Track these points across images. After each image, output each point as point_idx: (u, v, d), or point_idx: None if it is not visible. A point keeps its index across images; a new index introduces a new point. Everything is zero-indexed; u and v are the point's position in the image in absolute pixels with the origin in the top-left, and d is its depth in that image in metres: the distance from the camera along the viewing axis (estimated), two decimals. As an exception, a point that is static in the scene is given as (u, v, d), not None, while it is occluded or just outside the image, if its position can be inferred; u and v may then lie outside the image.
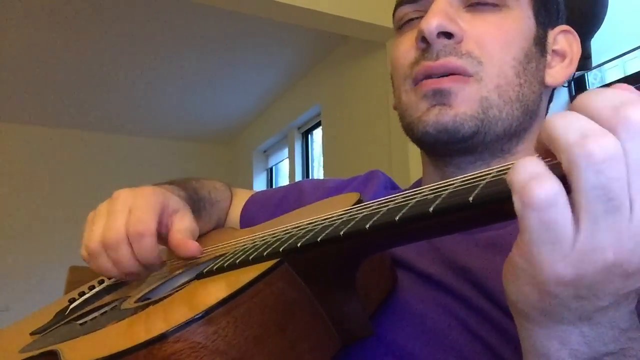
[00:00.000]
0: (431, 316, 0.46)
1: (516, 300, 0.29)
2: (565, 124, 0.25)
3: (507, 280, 0.29)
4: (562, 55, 0.60)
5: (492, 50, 0.54)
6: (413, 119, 0.56)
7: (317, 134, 3.82)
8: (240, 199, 0.82)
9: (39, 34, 3.00)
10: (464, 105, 0.53)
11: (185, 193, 0.69)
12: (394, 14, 0.62)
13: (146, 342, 0.31)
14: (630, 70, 1.76)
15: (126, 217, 0.54)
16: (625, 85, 0.26)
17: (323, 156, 3.45)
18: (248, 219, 0.77)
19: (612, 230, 0.24)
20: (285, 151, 4.11)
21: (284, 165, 4.30)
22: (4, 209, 4.05)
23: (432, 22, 0.53)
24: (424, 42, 0.54)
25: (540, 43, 0.58)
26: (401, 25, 0.61)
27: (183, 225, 0.57)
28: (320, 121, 3.55)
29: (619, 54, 1.77)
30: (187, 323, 0.32)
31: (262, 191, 0.86)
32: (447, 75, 0.53)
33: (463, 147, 0.55)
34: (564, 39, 0.61)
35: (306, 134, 3.92)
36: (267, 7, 2.38)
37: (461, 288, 0.46)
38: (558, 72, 0.59)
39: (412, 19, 0.59)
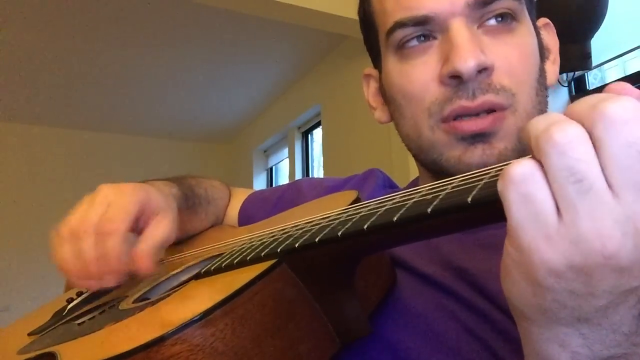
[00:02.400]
0: (430, 316, 0.46)
1: (513, 298, 0.29)
2: (537, 120, 0.26)
3: (503, 277, 0.29)
4: (547, 50, 0.59)
5: (522, 78, 0.52)
6: (447, 158, 0.53)
7: (317, 134, 3.82)
8: (239, 197, 0.82)
9: (39, 34, 3.00)
10: (505, 140, 0.51)
11: (178, 190, 0.68)
12: (389, 32, 0.55)
13: (144, 345, 0.31)
14: (630, 70, 1.76)
15: (102, 212, 0.54)
16: (622, 83, 0.27)
17: (323, 156, 3.45)
18: (246, 218, 0.77)
19: (593, 216, 0.24)
20: (285, 151, 4.11)
21: (284, 165, 4.30)
22: (3, 209, 4.05)
23: (470, 62, 0.49)
24: (456, 79, 0.50)
25: (541, 49, 0.56)
26: (401, 46, 0.55)
27: (156, 232, 0.56)
28: (320, 121, 3.55)
29: (619, 54, 1.77)
30: (185, 325, 0.32)
31: (260, 190, 0.86)
32: (485, 112, 0.51)
33: None
34: (546, 33, 0.59)
35: (306, 134, 3.92)
36: (267, 7, 2.38)
37: (460, 288, 0.46)
38: (550, 71, 0.58)
39: (412, 40, 0.54)
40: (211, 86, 3.84)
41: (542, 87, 0.55)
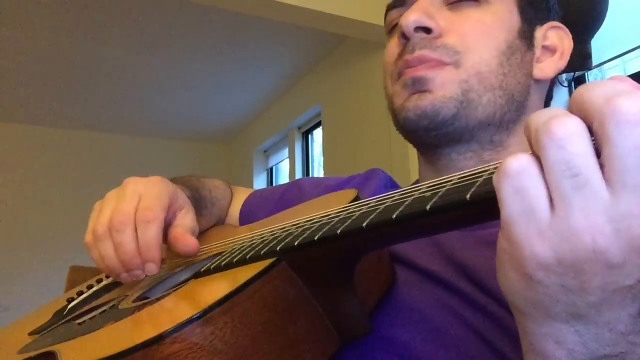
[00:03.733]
0: (431, 313, 0.46)
1: (506, 290, 0.29)
2: (537, 113, 0.26)
3: (497, 269, 0.29)
4: (552, 50, 0.61)
5: (471, 39, 0.56)
6: (397, 107, 0.59)
7: (317, 134, 3.82)
8: (240, 197, 0.83)
9: (39, 34, 3.00)
10: (443, 89, 0.55)
11: (189, 192, 0.69)
12: (384, 19, 0.65)
13: (143, 343, 0.31)
14: (630, 70, 1.76)
15: (136, 203, 0.54)
16: (622, 76, 0.26)
17: (323, 156, 3.45)
18: (247, 217, 0.78)
19: (586, 212, 0.24)
20: (286, 151, 4.11)
21: (284, 165, 4.30)
22: (3, 209, 4.05)
23: (410, 17, 0.56)
24: (404, 38, 0.58)
25: (525, 37, 0.59)
26: (390, 29, 0.64)
27: (185, 222, 0.58)
28: (320, 121, 3.55)
29: (619, 54, 1.77)
30: (185, 323, 0.32)
31: (261, 189, 0.86)
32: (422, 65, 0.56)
33: (446, 133, 0.56)
34: (554, 34, 0.62)
35: (306, 134, 3.92)
36: (267, 7, 2.38)
37: (461, 285, 0.46)
38: (548, 65, 0.60)
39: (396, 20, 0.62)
40: (211, 86, 3.84)
41: (512, 64, 0.57)
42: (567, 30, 0.62)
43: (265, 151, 4.56)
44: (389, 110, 0.63)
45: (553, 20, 0.63)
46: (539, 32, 0.61)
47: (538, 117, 0.26)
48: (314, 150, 3.89)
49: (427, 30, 0.56)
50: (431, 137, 0.57)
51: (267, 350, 0.35)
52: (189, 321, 0.32)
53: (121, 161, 4.51)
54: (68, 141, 4.40)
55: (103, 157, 4.49)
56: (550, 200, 0.25)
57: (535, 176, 0.25)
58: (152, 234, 0.52)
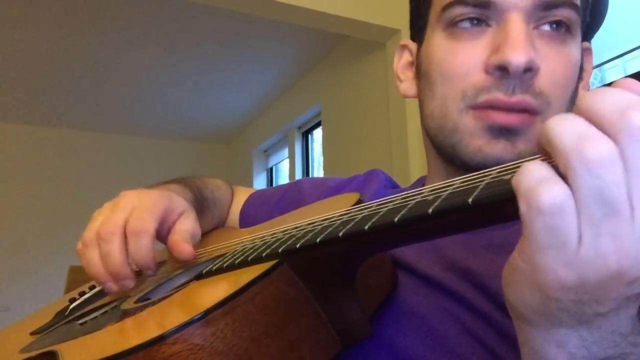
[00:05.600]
0: (432, 318, 0.46)
1: (515, 304, 0.29)
2: (563, 126, 0.25)
3: (507, 282, 0.29)
4: (580, 72, 0.57)
5: (561, 89, 0.52)
6: (467, 144, 0.52)
7: (317, 134, 3.82)
8: (240, 197, 0.82)
9: (38, 34, 3.00)
10: (527, 144, 0.50)
11: (191, 194, 0.69)
12: (447, 6, 0.54)
13: (145, 344, 0.31)
14: (630, 70, 1.76)
15: (127, 214, 0.54)
16: (630, 80, 0.26)
17: (323, 156, 3.45)
18: (247, 218, 0.77)
19: (614, 236, 0.23)
20: (286, 151, 4.11)
21: (284, 165, 4.30)
22: (3, 209, 4.05)
23: (522, 57, 0.48)
24: (501, 71, 0.50)
25: (581, 69, 0.56)
26: (453, 24, 0.53)
27: (184, 227, 0.57)
28: (320, 121, 3.55)
29: (619, 54, 1.77)
30: (186, 324, 0.32)
31: (261, 190, 0.86)
32: (517, 111, 0.50)
33: None
34: (585, 56, 0.58)
35: (306, 134, 3.92)
36: (267, 7, 2.38)
37: (463, 290, 0.46)
38: (578, 93, 0.56)
39: (466, 21, 0.53)
40: (211, 86, 3.84)
41: (572, 106, 0.53)
42: (592, 51, 0.59)
43: (265, 151, 4.56)
44: (430, 125, 0.57)
45: (587, 40, 0.58)
46: None
47: (563, 132, 0.24)
48: (314, 150, 3.89)
49: (530, 69, 0.49)
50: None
51: (267, 352, 0.35)
52: (190, 322, 0.32)
53: (121, 161, 4.51)
54: (68, 141, 4.40)
55: (103, 157, 4.49)
56: (579, 225, 0.24)
57: (571, 213, 0.24)
58: (142, 245, 0.52)
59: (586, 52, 0.58)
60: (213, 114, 4.38)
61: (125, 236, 0.52)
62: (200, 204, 0.70)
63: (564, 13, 0.51)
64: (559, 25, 0.52)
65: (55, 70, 3.44)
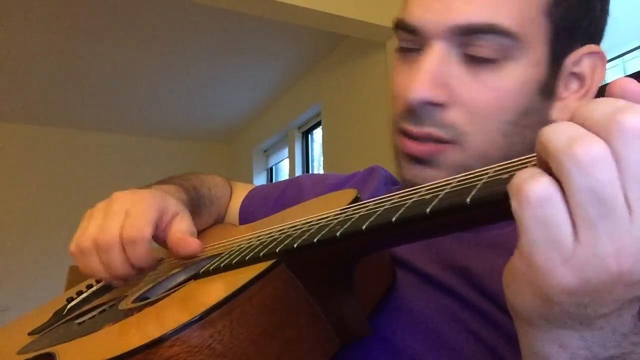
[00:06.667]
0: (431, 316, 0.46)
1: (516, 305, 0.29)
2: (555, 131, 0.25)
3: (508, 284, 0.29)
4: (581, 79, 0.52)
5: (482, 119, 0.50)
6: (396, 163, 0.55)
7: (317, 134, 3.82)
8: (240, 194, 0.82)
9: (38, 34, 3.00)
10: (445, 170, 0.50)
11: (186, 195, 0.69)
12: (394, 27, 0.55)
13: (143, 347, 0.31)
14: (630, 70, 1.76)
15: (122, 221, 0.54)
16: (626, 79, 0.26)
17: (323, 156, 3.45)
18: (247, 215, 0.77)
19: (612, 237, 0.23)
20: (286, 151, 4.11)
21: (284, 165, 4.30)
22: (3, 209, 4.05)
23: (416, 93, 0.49)
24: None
25: (548, 88, 0.51)
26: (400, 48, 0.55)
27: (182, 226, 0.57)
28: (320, 121, 3.55)
29: (619, 54, 1.77)
30: (184, 327, 0.32)
31: (260, 186, 0.86)
32: (424, 141, 0.51)
33: None
34: (588, 62, 0.52)
35: (306, 134, 3.92)
36: (267, 7, 2.38)
37: (461, 288, 0.46)
38: (570, 105, 0.52)
39: (407, 44, 0.54)
40: (211, 86, 3.84)
41: (522, 129, 0.50)
42: (605, 57, 0.52)
43: (265, 151, 4.56)
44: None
45: (594, 41, 0.53)
46: (571, 58, 0.52)
47: (556, 136, 0.25)
48: (314, 150, 3.89)
49: (435, 104, 0.50)
50: None
51: (266, 352, 0.35)
52: (188, 324, 0.32)
53: (121, 161, 4.50)
54: (68, 141, 4.40)
55: (103, 157, 4.49)
56: (573, 224, 0.24)
57: (559, 204, 0.24)
58: (140, 252, 0.53)
59: (589, 56, 0.52)
60: (213, 113, 4.38)
61: (123, 244, 0.53)
62: (196, 204, 0.70)
63: (482, 41, 0.48)
64: (480, 55, 0.49)
65: (55, 70, 3.43)
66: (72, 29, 2.96)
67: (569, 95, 0.52)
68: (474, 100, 0.49)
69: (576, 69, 0.52)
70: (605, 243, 0.24)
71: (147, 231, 0.53)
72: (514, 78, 0.49)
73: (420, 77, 0.49)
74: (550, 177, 0.25)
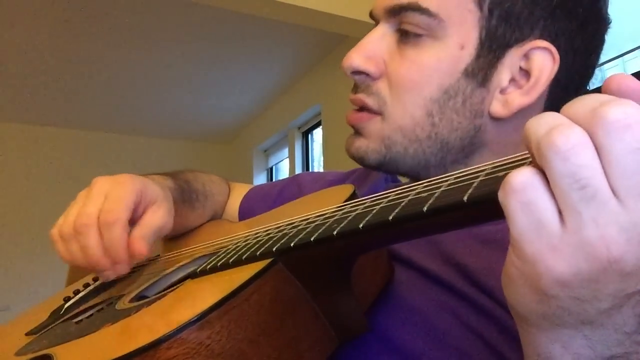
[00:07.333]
0: (429, 312, 0.46)
1: (516, 305, 0.29)
2: (537, 121, 0.26)
3: (506, 285, 0.29)
4: (527, 76, 0.51)
5: (400, 90, 0.53)
6: None
7: (317, 134, 3.82)
8: (239, 192, 0.82)
9: (38, 34, 3.00)
10: (369, 138, 0.55)
11: (173, 183, 0.69)
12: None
13: (140, 349, 0.31)
14: (630, 70, 1.76)
15: (100, 204, 0.54)
16: (621, 74, 0.26)
17: (323, 156, 3.45)
18: (246, 213, 0.77)
19: (598, 222, 0.24)
20: (286, 151, 4.11)
21: (284, 165, 4.30)
22: (3, 209, 4.05)
23: (347, 62, 0.55)
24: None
25: (475, 74, 0.51)
26: None
27: (152, 220, 0.57)
28: (320, 121, 3.55)
29: (619, 54, 1.77)
30: (181, 328, 0.32)
31: (260, 185, 0.86)
32: (361, 109, 0.56)
33: (387, 172, 0.59)
34: (538, 58, 0.50)
35: (306, 134, 3.92)
36: (267, 7, 2.38)
37: (460, 283, 0.46)
38: (512, 99, 0.51)
39: None
40: (211, 86, 3.84)
41: (447, 110, 0.52)
42: (556, 52, 0.50)
43: (265, 151, 4.56)
44: None
45: (546, 37, 0.51)
46: (516, 52, 0.51)
47: (537, 126, 0.25)
48: (314, 149, 3.89)
49: (365, 73, 0.55)
50: (381, 170, 0.58)
51: (265, 352, 0.34)
52: (185, 326, 0.32)
53: (121, 161, 4.50)
54: (68, 141, 4.40)
55: (103, 157, 4.49)
56: (560, 213, 0.25)
57: (541, 189, 0.25)
58: (114, 236, 0.53)
59: (540, 50, 0.50)
60: (213, 113, 4.38)
61: (99, 227, 0.53)
62: (186, 194, 0.70)
63: (409, 18, 0.52)
64: (408, 30, 0.53)
65: (56, 70, 3.44)
66: (72, 29, 2.96)
67: (513, 90, 0.52)
68: (395, 72, 0.54)
69: (523, 64, 0.51)
70: (591, 229, 0.24)
71: (123, 214, 0.54)
72: (433, 55, 0.52)
73: (355, 49, 0.55)
74: (533, 167, 0.25)
